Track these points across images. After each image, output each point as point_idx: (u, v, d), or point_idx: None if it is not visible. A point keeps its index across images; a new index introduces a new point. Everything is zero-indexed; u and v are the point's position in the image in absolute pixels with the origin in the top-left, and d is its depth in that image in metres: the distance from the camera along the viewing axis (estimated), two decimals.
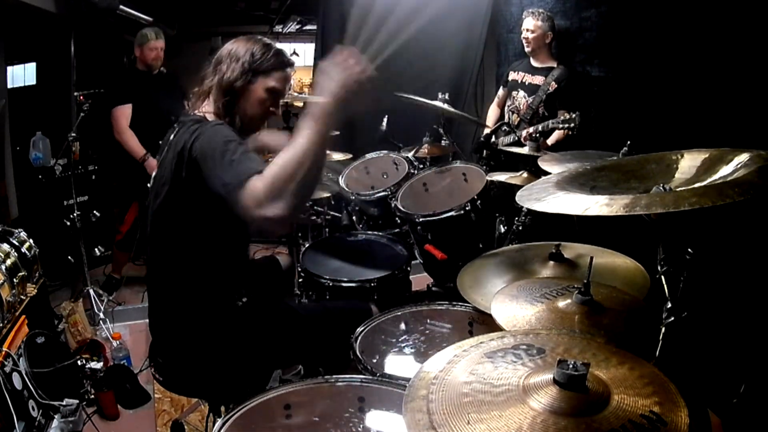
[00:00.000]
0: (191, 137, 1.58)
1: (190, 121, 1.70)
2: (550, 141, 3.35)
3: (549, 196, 1.36)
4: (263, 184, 1.35)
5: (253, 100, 1.74)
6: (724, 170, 1.28)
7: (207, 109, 1.75)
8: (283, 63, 1.76)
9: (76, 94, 4.26)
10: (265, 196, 1.34)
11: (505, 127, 3.57)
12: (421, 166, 3.19)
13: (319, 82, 1.45)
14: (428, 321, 2.00)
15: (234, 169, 1.42)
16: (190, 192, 1.60)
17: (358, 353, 1.73)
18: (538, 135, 3.15)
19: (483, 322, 1.89)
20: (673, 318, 1.30)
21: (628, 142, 2.09)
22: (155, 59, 3.71)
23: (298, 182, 1.36)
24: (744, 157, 1.26)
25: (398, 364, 1.78)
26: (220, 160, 1.47)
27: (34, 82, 4.45)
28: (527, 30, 3.51)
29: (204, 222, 1.63)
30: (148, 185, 3.59)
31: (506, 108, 3.82)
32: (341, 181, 3.27)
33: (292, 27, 6.84)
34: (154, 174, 1.79)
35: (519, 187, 1.59)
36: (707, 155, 1.38)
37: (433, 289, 2.83)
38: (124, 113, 3.60)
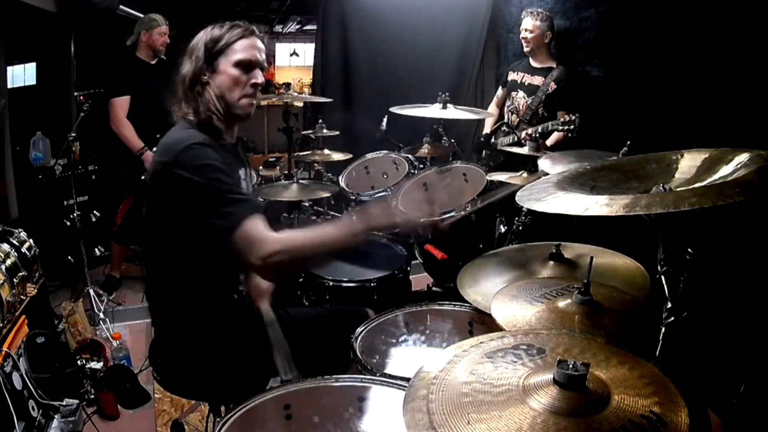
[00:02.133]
0: (169, 156, 1.55)
1: (172, 128, 1.69)
2: (549, 142, 3.35)
3: (549, 196, 1.36)
4: (286, 248, 1.48)
5: (225, 81, 1.64)
6: (724, 170, 1.28)
7: (187, 111, 1.71)
8: (242, 32, 1.66)
9: (76, 94, 4.26)
10: (280, 257, 1.46)
11: (504, 128, 3.57)
12: (421, 166, 3.19)
13: (400, 210, 1.69)
14: (428, 321, 2.00)
15: (229, 215, 1.49)
16: (173, 207, 1.57)
17: (358, 353, 1.73)
18: (537, 135, 3.16)
19: (483, 322, 1.89)
20: (673, 318, 1.30)
21: (628, 142, 2.09)
22: (164, 44, 3.69)
23: (305, 258, 1.58)
24: (744, 157, 1.26)
25: (398, 364, 1.78)
26: (211, 202, 1.50)
27: (34, 82, 4.45)
28: (526, 30, 3.51)
29: (192, 228, 1.58)
30: (142, 178, 3.64)
31: (506, 108, 3.82)
32: (341, 181, 3.27)
33: (292, 27, 6.85)
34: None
35: (519, 187, 1.59)
36: (707, 155, 1.38)
37: (433, 289, 2.83)
38: (122, 105, 3.58)
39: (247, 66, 1.66)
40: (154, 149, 3.54)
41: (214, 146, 1.62)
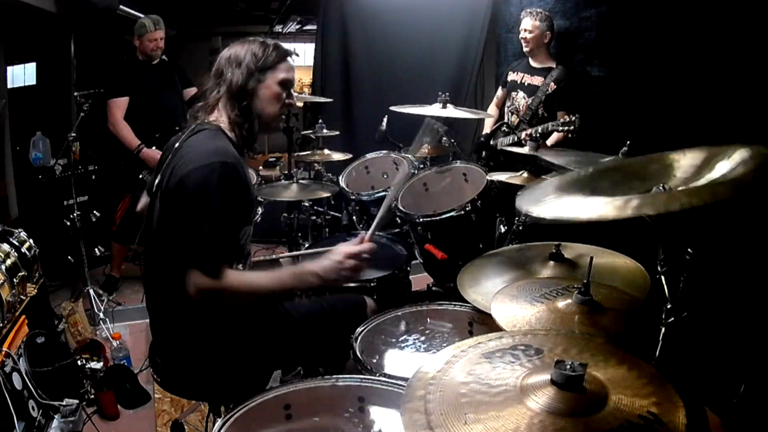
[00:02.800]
0: (189, 169, 1.57)
1: (203, 132, 1.69)
2: (549, 142, 3.35)
3: (546, 199, 1.36)
4: (218, 287, 1.54)
5: (269, 97, 1.74)
6: (723, 169, 1.28)
7: (221, 119, 1.73)
8: (284, 54, 1.77)
9: (76, 94, 4.27)
10: (210, 293, 1.54)
11: (504, 128, 3.57)
12: (421, 166, 3.19)
13: (326, 260, 1.71)
14: (428, 321, 2.00)
15: (208, 249, 1.55)
16: (175, 216, 1.60)
17: (358, 353, 1.73)
18: (537, 136, 3.15)
19: (483, 322, 1.89)
20: (673, 318, 1.30)
21: (628, 142, 2.09)
22: (154, 50, 3.70)
23: (239, 302, 1.64)
24: (744, 153, 1.26)
25: (398, 364, 1.78)
26: (203, 227, 1.53)
27: (34, 82, 4.46)
28: (525, 30, 3.51)
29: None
30: (140, 176, 3.64)
31: (506, 108, 3.82)
32: (341, 181, 3.27)
33: (292, 27, 6.85)
34: (157, 180, 1.78)
35: (519, 187, 1.59)
36: (709, 154, 1.37)
37: (433, 289, 2.83)
38: (119, 105, 3.60)
39: (288, 85, 1.78)
40: (153, 147, 3.58)
41: (244, 165, 1.70)
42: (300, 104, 5.23)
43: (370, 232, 1.82)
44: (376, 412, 1.52)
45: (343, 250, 1.72)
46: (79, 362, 2.89)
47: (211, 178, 1.54)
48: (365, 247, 1.74)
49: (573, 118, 2.85)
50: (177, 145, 1.73)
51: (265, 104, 1.75)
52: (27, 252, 2.77)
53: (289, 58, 1.79)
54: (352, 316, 1.94)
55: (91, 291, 3.56)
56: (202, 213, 1.53)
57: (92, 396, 2.77)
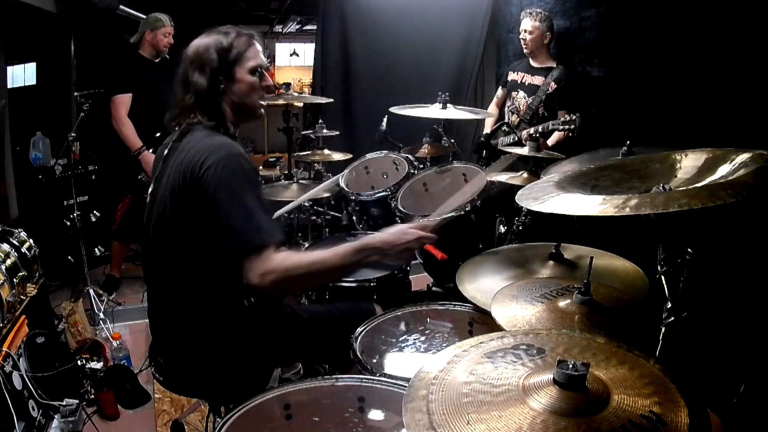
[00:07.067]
0: (201, 164, 1.53)
1: (197, 132, 1.67)
2: (550, 142, 3.36)
3: (546, 196, 1.36)
4: (280, 266, 1.46)
5: (244, 88, 1.70)
6: (724, 171, 1.28)
7: (203, 120, 1.70)
8: (248, 41, 1.71)
9: (76, 94, 4.26)
10: (274, 275, 1.45)
11: (505, 128, 3.57)
12: (421, 166, 3.19)
13: (390, 231, 1.65)
14: (428, 321, 2.00)
15: (254, 230, 1.48)
16: (193, 216, 1.57)
17: (358, 353, 1.73)
18: (538, 135, 3.15)
19: (483, 322, 1.89)
20: (673, 318, 1.30)
21: (628, 142, 2.09)
22: (167, 45, 3.70)
23: (306, 282, 1.62)
24: (745, 157, 1.26)
25: (398, 364, 1.78)
26: (240, 212, 1.49)
27: (34, 82, 4.46)
28: (525, 31, 3.51)
29: (207, 234, 1.58)
30: (139, 177, 3.63)
31: (506, 108, 3.82)
32: (341, 181, 3.27)
33: (292, 27, 6.85)
34: (152, 187, 1.76)
35: (519, 187, 1.59)
36: (710, 155, 1.37)
37: (433, 289, 2.83)
38: (123, 102, 3.59)
39: (260, 70, 1.73)
40: (151, 150, 3.58)
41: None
42: (300, 104, 5.22)
43: (433, 219, 1.83)
44: (376, 413, 1.52)
45: (403, 226, 1.69)
46: (79, 362, 2.88)
47: (236, 171, 1.53)
48: (427, 234, 1.70)
49: (573, 117, 2.85)
50: (168, 149, 1.73)
51: (243, 97, 1.71)
52: (27, 252, 2.77)
53: (256, 43, 1.73)
54: (360, 322, 1.91)
55: (91, 291, 3.56)
56: (239, 206, 1.50)
57: (92, 396, 2.77)
